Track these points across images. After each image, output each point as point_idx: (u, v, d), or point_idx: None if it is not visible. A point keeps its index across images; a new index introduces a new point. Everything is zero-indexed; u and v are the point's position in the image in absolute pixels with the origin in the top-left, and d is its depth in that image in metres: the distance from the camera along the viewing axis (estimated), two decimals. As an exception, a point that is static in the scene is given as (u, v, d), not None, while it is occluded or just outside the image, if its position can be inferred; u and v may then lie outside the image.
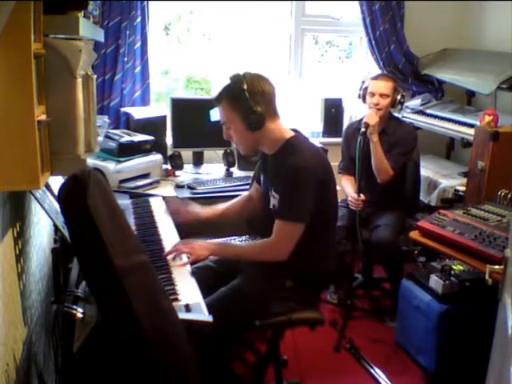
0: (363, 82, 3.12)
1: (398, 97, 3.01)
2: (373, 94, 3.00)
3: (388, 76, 3.18)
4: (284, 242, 1.96)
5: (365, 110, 3.13)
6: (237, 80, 1.95)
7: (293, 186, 1.93)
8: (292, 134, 2.06)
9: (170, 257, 1.94)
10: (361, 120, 3.17)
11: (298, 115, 3.83)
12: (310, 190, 1.93)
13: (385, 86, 2.99)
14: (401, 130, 3.05)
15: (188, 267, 1.92)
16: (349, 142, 3.16)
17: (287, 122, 2.11)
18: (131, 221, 2.29)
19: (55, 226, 1.69)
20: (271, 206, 2.06)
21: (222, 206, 2.36)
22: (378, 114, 2.95)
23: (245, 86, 1.91)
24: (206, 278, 2.00)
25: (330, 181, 2.06)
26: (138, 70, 3.35)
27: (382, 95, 2.97)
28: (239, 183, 3.10)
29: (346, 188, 3.07)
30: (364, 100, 3.09)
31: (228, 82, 1.99)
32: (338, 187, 2.16)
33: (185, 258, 1.95)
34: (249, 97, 1.91)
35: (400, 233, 2.92)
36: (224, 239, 2.46)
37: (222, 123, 2.05)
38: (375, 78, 3.07)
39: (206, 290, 1.83)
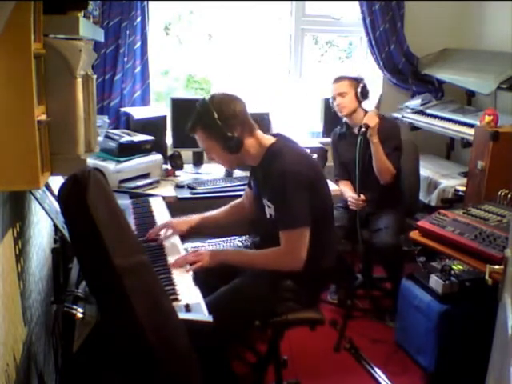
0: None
1: (358, 89, 3.00)
2: (334, 98, 3.06)
3: (341, 76, 3.12)
4: (297, 250, 1.94)
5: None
6: (206, 109, 1.94)
7: (284, 193, 1.92)
8: (272, 140, 2.05)
9: (177, 267, 1.91)
10: (342, 125, 3.18)
11: (298, 115, 3.83)
12: (301, 192, 1.92)
13: (338, 85, 3.03)
14: (384, 126, 2.99)
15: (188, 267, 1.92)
16: (337, 149, 3.20)
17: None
18: (131, 221, 2.29)
19: (55, 225, 1.69)
20: (268, 216, 2.06)
21: (212, 214, 2.31)
22: (377, 115, 2.95)
23: (215, 115, 1.91)
24: (206, 278, 1.99)
25: (320, 179, 2.06)
26: (137, 70, 3.36)
27: (340, 94, 3.01)
28: (239, 183, 3.09)
29: (346, 192, 3.07)
30: None
31: (197, 110, 1.98)
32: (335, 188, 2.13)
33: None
34: (221, 124, 1.91)
35: (400, 233, 2.92)
36: (224, 239, 2.46)
37: (202, 148, 2.07)
38: (332, 82, 3.09)
39: (206, 290, 1.83)
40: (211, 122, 1.91)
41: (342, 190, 3.11)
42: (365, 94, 3.03)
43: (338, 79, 3.08)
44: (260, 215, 2.18)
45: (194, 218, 2.26)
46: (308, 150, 2.41)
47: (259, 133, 2.06)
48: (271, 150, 2.02)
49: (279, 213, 1.97)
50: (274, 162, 1.97)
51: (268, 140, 2.05)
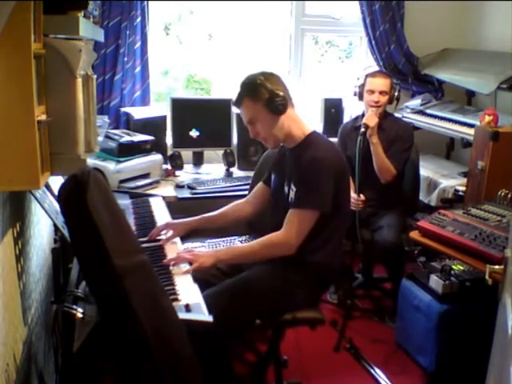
0: (358, 79, 3.12)
1: (396, 93, 3.04)
2: (372, 92, 3.00)
3: (385, 73, 3.19)
4: (294, 230, 1.96)
5: (361, 107, 3.13)
6: (251, 77, 2.04)
7: (309, 175, 1.97)
8: (311, 130, 2.12)
9: (171, 263, 1.90)
10: (356, 118, 3.17)
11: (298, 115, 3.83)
12: (326, 179, 1.96)
13: (383, 83, 3.00)
14: (397, 127, 3.05)
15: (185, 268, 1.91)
16: (345, 142, 3.16)
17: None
18: (131, 221, 2.29)
19: (55, 225, 1.69)
20: (290, 200, 2.07)
21: (212, 214, 2.30)
22: (377, 115, 2.95)
23: (261, 77, 2.01)
24: (207, 276, 1.99)
25: (345, 175, 2.10)
26: (137, 70, 3.35)
27: (381, 92, 2.98)
28: (239, 183, 3.10)
29: None
30: (360, 97, 3.09)
31: (242, 84, 2.05)
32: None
33: (187, 264, 1.91)
34: (267, 85, 1.99)
35: (402, 232, 2.92)
36: (224, 239, 2.46)
37: (247, 123, 2.09)
38: (373, 75, 3.07)
39: (206, 289, 1.83)
40: (257, 85, 2.00)
41: None
42: (396, 99, 3.06)
43: (385, 75, 3.08)
44: (274, 208, 2.19)
45: (194, 219, 2.26)
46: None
47: (298, 115, 2.13)
48: (309, 138, 2.08)
49: (298, 193, 1.99)
50: (309, 149, 2.02)
51: (308, 128, 2.11)
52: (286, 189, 2.12)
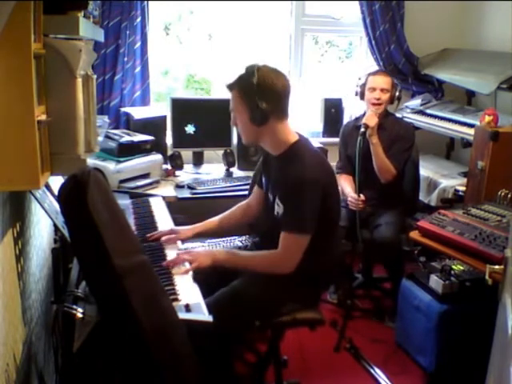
0: (359, 79, 3.14)
1: (397, 93, 3.05)
2: (373, 89, 3.01)
3: (386, 72, 3.22)
4: (291, 254, 1.95)
5: (363, 107, 3.14)
6: (250, 72, 1.92)
7: (297, 198, 1.92)
8: (297, 137, 2.04)
9: (170, 265, 1.90)
10: (357, 118, 3.18)
11: (298, 115, 3.83)
12: (314, 201, 1.93)
13: (385, 80, 3.02)
14: (399, 127, 3.07)
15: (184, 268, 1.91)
16: (346, 141, 3.17)
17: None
18: (131, 221, 2.28)
19: (55, 225, 1.69)
20: (275, 213, 2.05)
21: (217, 219, 2.29)
22: (377, 115, 2.95)
23: (255, 80, 1.89)
24: (207, 278, 1.99)
25: (333, 187, 2.06)
26: (137, 70, 3.35)
27: (382, 90, 3.00)
28: (239, 183, 3.10)
29: (346, 188, 3.07)
30: (362, 97, 3.09)
31: (244, 71, 1.97)
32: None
33: (187, 265, 1.91)
34: (257, 92, 1.89)
35: (401, 231, 2.92)
36: (224, 239, 2.46)
37: (230, 110, 2.05)
38: (374, 73, 3.10)
39: (206, 290, 1.83)
40: (249, 85, 1.90)
41: (342, 185, 3.07)
42: (397, 99, 3.08)
43: (385, 73, 3.11)
44: (266, 212, 2.18)
45: (199, 225, 2.25)
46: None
47: (288, 123, 2.03)
48: (295, 148, 2.01)
49: (288, 215, 1.96)
50: (294, 162, 1.96)
51: (293, 136, 2.04)
52: (270, 197, 2.11)
